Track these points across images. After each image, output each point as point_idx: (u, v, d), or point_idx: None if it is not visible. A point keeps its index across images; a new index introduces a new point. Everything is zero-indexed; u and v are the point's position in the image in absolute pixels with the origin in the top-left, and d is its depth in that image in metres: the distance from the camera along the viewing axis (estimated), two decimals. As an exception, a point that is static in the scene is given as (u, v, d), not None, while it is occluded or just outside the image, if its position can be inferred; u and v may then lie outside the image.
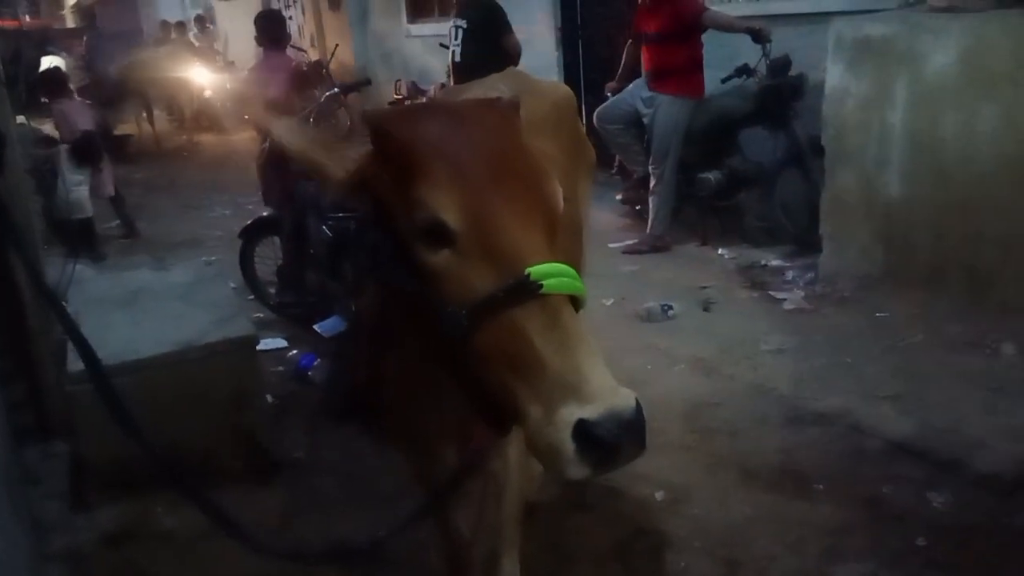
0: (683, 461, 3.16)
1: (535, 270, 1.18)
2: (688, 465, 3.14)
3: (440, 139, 1.30)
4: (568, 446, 1.09)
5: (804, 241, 5.13)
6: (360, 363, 1.93)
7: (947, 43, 4.06)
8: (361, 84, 5.29)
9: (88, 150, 6.57)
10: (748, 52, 5.36)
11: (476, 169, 1.26)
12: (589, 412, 1.09)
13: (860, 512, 2.80)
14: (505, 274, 1.20)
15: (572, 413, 1.09)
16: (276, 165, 4.48)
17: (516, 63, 5.82)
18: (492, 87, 2.78)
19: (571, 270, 1.22)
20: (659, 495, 2.96)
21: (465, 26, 5.90)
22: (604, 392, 1.11)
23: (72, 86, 8.33)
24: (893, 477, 2.96)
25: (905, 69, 4.23)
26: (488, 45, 5.79)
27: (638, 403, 1.13)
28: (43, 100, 7.90)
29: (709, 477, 3.07)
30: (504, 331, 1.18)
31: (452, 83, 6.18)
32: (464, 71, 5.75)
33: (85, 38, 14.54)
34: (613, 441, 1.09)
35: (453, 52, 6.00)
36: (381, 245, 1.37)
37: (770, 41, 5.24)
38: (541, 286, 1.17)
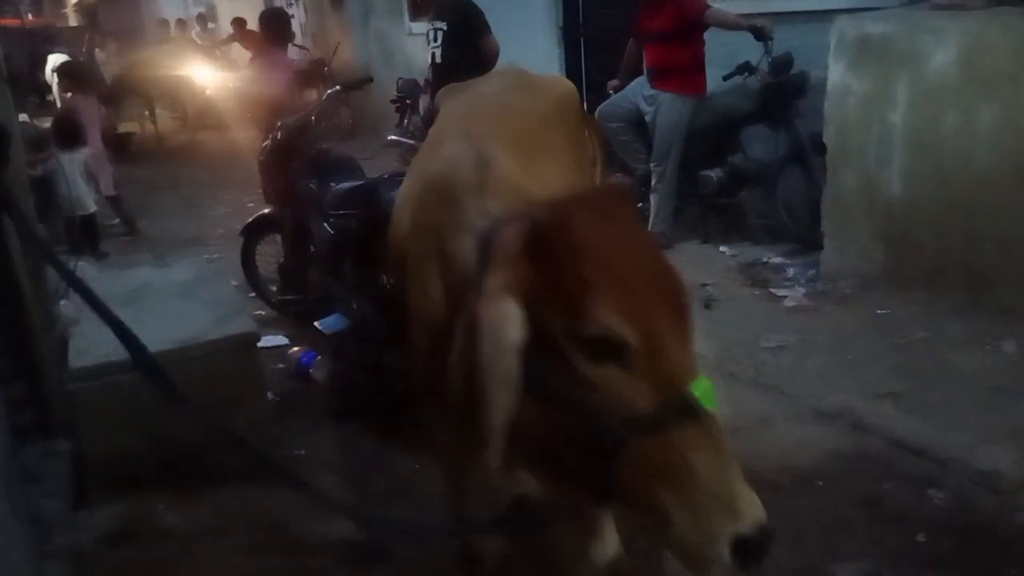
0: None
1: (692, 387, 1.25)
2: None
3: (607, 250, 1.29)
4: (725, 557, 1.20)
5: (806, 239, 5.13)
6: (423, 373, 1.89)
7: (947, 42, 4.06)
8: (363, 82, 5.29)
9: (69, 132, 6.59)
10: (750, 50, 5.36)
11: (645, 283, 1.28)
12: (743, 528, 1.20)
13: (860, 510, 2.80)
14: (668, 392, 1.25)
15: (728, 527, 1.20)
16: (277, 163, 4.48)
17: (494, 64, 5.85)
18: (492, 83, 2.79)
19: (708, 382, 1.27)
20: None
21: (444, 28, 5.96)
22: (753, 508, 1.22)
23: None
24: (894, 475, 2.97)
25: (906, 68, 4.23)
26: (467, 46, 5.85)
27: None
28: (66, 94, 7.91)
29: (710, 475, 3.07)
30: (659, 445, 1.25)
31: (432, 84, 6.22)
32: (444, 72, 5.82)
33: (87, 36, 14.56)
34: (761, 551, 1.21)
35: (433, 54, 6.06)
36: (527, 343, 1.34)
37: (772, 39, 5.23)
38: (701, 408, 1.24)
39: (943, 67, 4.08)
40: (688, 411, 1.24)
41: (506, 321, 1.30)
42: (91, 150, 6.84)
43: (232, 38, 13.06)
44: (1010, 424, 3.18)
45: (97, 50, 13.63)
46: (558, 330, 1.30)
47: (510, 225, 1.36)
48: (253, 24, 9.32)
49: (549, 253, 1.30)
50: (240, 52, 12.31)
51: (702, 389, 1.25)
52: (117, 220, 7.28)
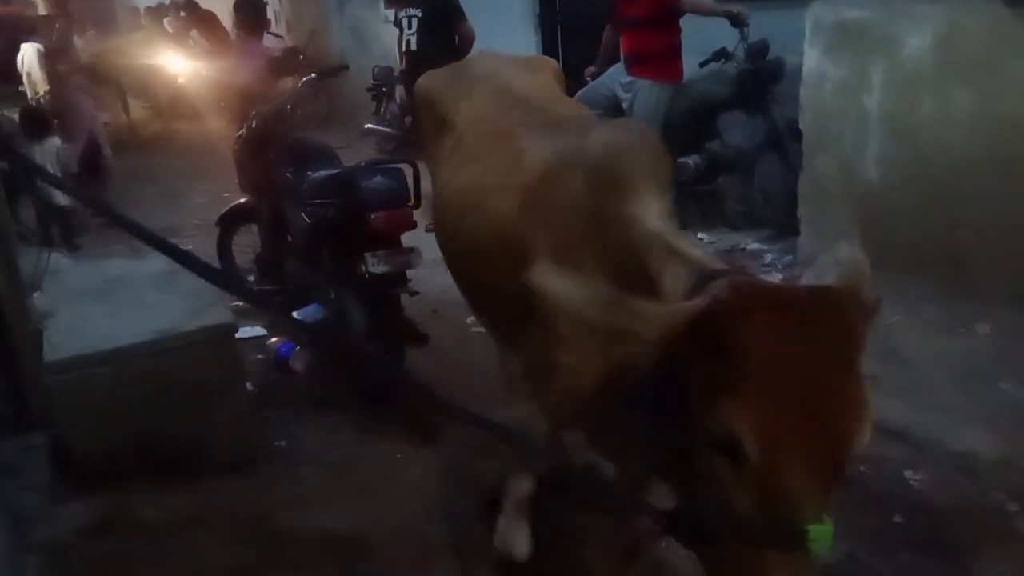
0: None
1: (813, 531, 1.16)
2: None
3: (771, 353, 1.18)
4: None
5: (783, 225, 5.15)
6: None
7: (924, 28, 4.08)
8: (339, 70, 5.23)
9: (37, 122, 6.54)
10: (726, 37, 5.36)
11: (795, 399, 1.17)
12: None
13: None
14: (780, 518, 1.17)
15: None
16: (253, 152, 4.44)
17: (469, 50, 5.85)
18: (494, 65, 2.73)
19: (830, 528, 1.19)
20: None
21: (419, 15, 5.94)
22: None
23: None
24: (871, 457, 2.99)
25: (882, 54, 4.25)
26: (443, 33, 5.86)
27: None
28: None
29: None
30: (751, 553, 1.20)
31: (407, 71, 6.20)
32: (419, 59, 5.84)
33: (57, 26, 14.31)
34: None
35: (408, 41, 6.05)
36: (669, 414, 1.31)
37: (748, 25, 5.24)
38: (810, 550, 1.16)
39: (919, 53, 4.10)
40: (796, 547, 1.16)
41: (635, 354, 1.23)
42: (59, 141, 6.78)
43: (183, 22, 12.80)
44: (985, 406, 3.22)
45: (76, 37, 13.40)
46: (695, 399, 1.25)
47: (704, 292, 1.28)
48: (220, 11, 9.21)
49: (715, 340, 1.22)
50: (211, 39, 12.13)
51: (821, 533, 1.17)
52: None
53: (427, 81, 2.80)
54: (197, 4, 12.41)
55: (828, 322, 1.22)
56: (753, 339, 1.19)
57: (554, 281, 1.29)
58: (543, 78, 2.70)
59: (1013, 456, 2.92)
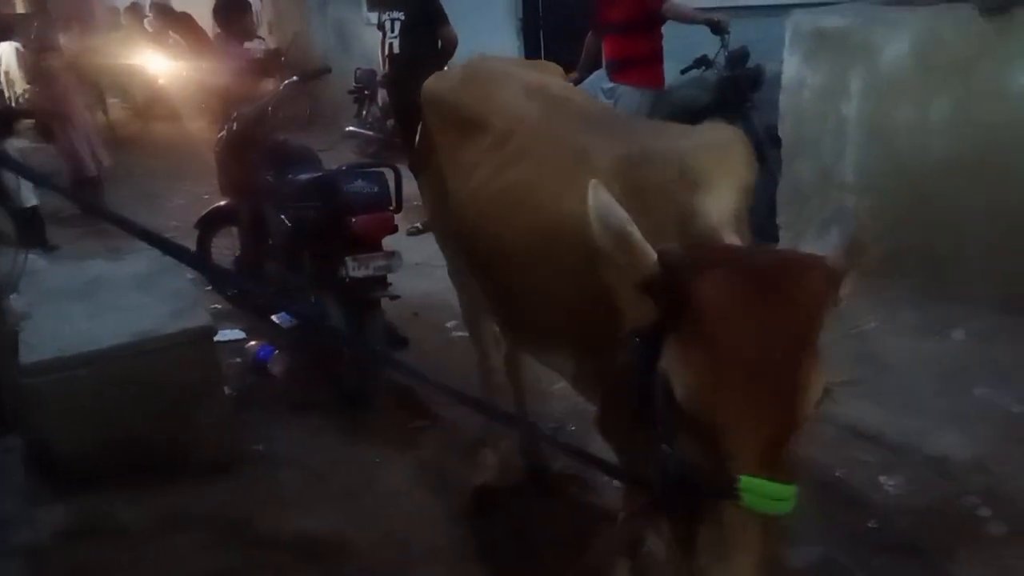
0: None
1: (746, 482, 1.18)
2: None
3: (716, 302, 1.21)
4: None
5: (762, 230, 5.18)
6: None
7: (901, 35, 4.13)
8: (321, 72, 5.21)
9: (2, 120, 6.50)
10: (707, 44, 5.40)
11: (734, 350, 1.19)
12: None
13: (814, 496, 2.85)
14: (717, 467, 1.20)
15: None
16: (234, 154, 4.42)
17: (452, 54, 5.86)
18: (496, 66, 2.71)
19: (783, 491, 1.21)
20: (617, 482, 2.98)
21: (402, 19, 5.94)
22: None
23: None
24: (847, 461, 3.02)
25: (860, 61, 4.30)
26: (426, 37, 5.87)
27: None
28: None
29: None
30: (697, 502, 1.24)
31: (389, 74, 6.25)
32: (403, 63, 5.91)
33: (36, 24, 14.17)
34: None
35: (390, 44, 6.05)
36: (645, 350, 1.33)
37: (728, 32, 5.27)
38: (739, 497, 1.18)
39: (897, 60, 4.15)
40: (726, 495, 1.18)
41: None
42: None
43: (162, 22, 12.70)
44: (960, 410, 3.26)
45: (61, 35, 13.26)
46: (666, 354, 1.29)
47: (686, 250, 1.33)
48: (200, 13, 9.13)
49: (674, 280, 1.26)
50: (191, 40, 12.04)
51: (756, 486, 1.18)
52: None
53: (440, 83, 2.72)
54: (169, 7, 12.32)
55: (783, 283, 1.24)
56: (702, 288, 1.22)
57: (604, 196, 1.32)
58: (560, 80, 2.72)
59: (987, 460, 2.95)
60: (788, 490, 1.21)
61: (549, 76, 2.68)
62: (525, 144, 2.18)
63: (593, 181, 1.35)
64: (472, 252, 2.37)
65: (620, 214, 1.30)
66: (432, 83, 2.73)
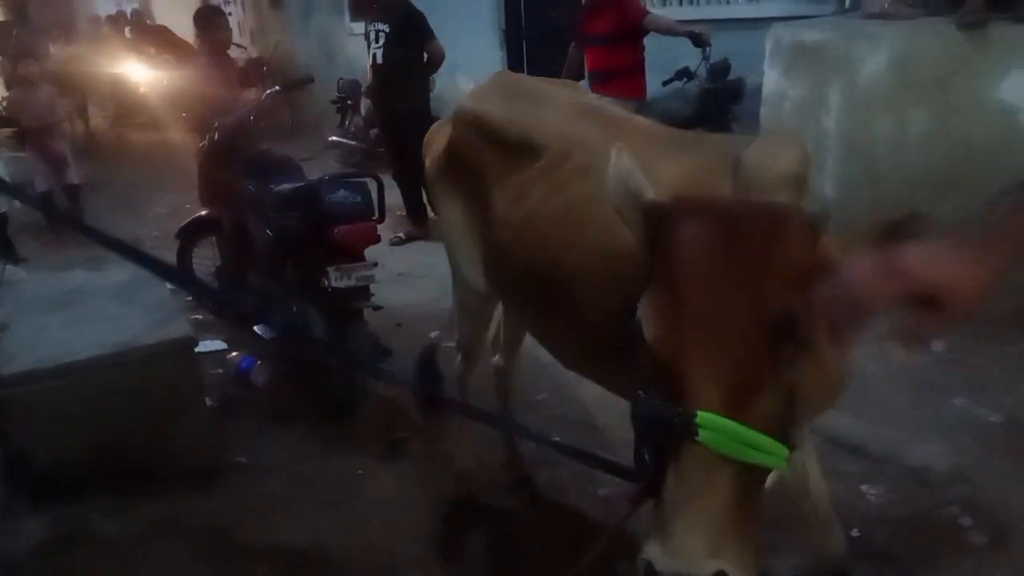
0: (628, 459, 3.19)
1: (703, 417, 1.17)
2: (631, 463, 3.17)
3: (688, 247, 1.25)
4: (640, 572, 1.21)
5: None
6: None
7: (880, 49, 4.19)
8: (303, 82, 5.22)
9: None
10: (689, 56, 5.45)
11: (699, 293, 1.22)
12: (661, 562, 1.18)
13: (796, 506, 2.86)
14: (677, 400, 1.22)
15: (653, 552, 1.20)
16: (216, 164, 4.41)
17: (439, 68, 5.88)
18: (528, 85, 2.69)
19: (748, 434, 1.19)
20: (602, 491, 2.99)
21: (387, 30, 5.95)
22: (684, 551, 1.17)
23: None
24: (828, 472, 3.03)
25: (840, 74, 4.34)
26: (412, 49, 5.90)
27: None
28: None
29: (652, 474, 3.11)
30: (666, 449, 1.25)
31: (373, 85, 6.28)
32: (387, 74, 5.96)
33: (15, 32, 14.09)
34: None
35: (375, 55, 6.06)
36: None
37: (710, 45, 5.33)
38: (696, 434, 1.17)
39: (875, 73, 4.20)
40: (681, 432, 1.18)
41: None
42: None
43: (135, 32, 12.63)
44: (940, 420, 3.29)
45: (51, 45, 13.18)
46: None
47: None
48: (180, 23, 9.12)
49: (655, 225, 1.32)
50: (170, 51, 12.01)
51: (722, 430, 1.17)
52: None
53: (483, 103, 2.57)
54: (144, 21, 12.28)
55: (749, 227, 1.26)
56: (670, 232, 1.27)
57: (627, 160, 1.39)
58: (604, 99, 2.74)
59: (967, 470, 2.98)
60: (755, 436, 1.19)
61: (582, 94, 2.67)
62: (585, 162, 2.16)
63: (617, 145, 1.41)
64: (522, 271, 2.30)
65: (639, 178, 1.36)
66: (472, 103, 2.60)
